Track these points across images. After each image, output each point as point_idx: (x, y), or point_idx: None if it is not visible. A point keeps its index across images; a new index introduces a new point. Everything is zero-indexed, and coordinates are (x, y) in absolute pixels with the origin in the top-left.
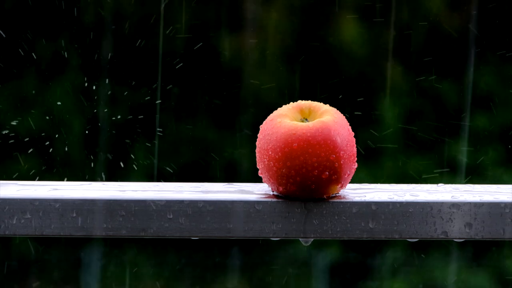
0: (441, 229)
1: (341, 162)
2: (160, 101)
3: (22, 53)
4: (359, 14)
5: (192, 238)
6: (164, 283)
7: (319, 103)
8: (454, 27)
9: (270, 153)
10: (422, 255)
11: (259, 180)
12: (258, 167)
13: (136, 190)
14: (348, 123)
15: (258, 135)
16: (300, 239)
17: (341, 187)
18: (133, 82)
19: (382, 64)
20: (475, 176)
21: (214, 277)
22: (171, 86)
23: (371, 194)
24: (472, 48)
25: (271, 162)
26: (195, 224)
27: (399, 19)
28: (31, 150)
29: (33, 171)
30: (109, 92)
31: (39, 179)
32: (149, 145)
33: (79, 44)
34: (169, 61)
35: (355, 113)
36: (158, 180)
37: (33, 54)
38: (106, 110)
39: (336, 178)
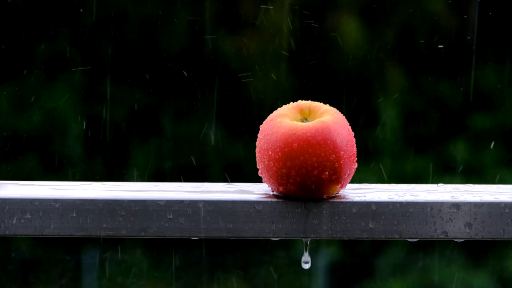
0: (441, 229)
1: (341, 162)
2: (160, 101)
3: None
4: (359, 14)
5: (192, 238)
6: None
7: (319, 103)
8: (454, 27)
9: (270, 153)
10: (422, 255)
11: (259, 180)
12: (258, 167)
13: (136, 190)
14: (348, 123)
15: (258, 135)
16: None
17: (341, 187)
18: (133, 82)
19: (382, 64)
20: (475, 176)
21: (214, 277)
22: (171, 86)
23: (371, 194)
24: (472, 47)
25: (271, 162)
26: (195, 224)
27: (400, 19)
28: (31, 150)
29: (33, 171)
30: (110, 92)
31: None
32: (149, 145)
33: (79, 44)
34: (170, 61)
35: (355, 113)
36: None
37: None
38: (106, 110)
39: (336, 178)
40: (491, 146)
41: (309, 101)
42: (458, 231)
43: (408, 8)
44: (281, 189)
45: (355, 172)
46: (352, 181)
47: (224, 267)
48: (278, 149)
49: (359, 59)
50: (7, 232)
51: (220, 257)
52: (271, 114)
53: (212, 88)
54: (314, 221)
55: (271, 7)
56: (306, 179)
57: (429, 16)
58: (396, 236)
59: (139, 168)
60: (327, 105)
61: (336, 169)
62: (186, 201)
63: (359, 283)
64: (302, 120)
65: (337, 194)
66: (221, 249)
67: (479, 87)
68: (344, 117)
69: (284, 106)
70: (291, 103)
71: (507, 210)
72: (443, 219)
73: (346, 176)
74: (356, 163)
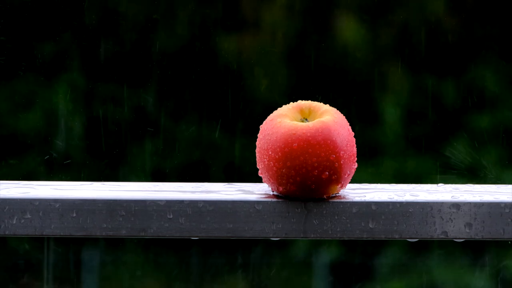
0: (441, 229)
1: (341, 162)
2: (160, 101)
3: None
4: (359, 13)
5: (192, 238)
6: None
7: (319, 103)
8: (454, 26)
9: (270, 153)
10: (422, 255)
11: (259, 180)
12: (258, 167)
13: (136, 190)
14: (348, 123)
15: (258, 135)
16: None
17: (341, 187)
18: (133, 82)
19: (382, 63)
20: (475, 176)
21: (214, 277)
22: (171, 86)
23: (371, 194)
24: (472, 47)
25: (271, 162)
26: (195, 224)
27: (400, 19)
28: (31, 150)
29: (33, 171)
30: (110, 92)
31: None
32: (149, 145)
33: (79, 43)
34: (169, 61)
35: (355, 113)
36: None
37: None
38: (106, 110)
39: (336, 178)
40: (491, 146)
41: (309, 101)
42: (458, 231)
43: (408, 8)
44: (281, 189)
45: (355, 172)
46: (352, 181)
47: (224, 267)
48: (278, 149)
49: (359, 59)
50: (7, 232)
51: (220, 257)
52: (271, 114)
53: (212, 88)
54: (314, 221)
55: (271, 7)
56: (306, 179)
57: (429, 16)
58: (396, 236)
59: (139, 168)
60: (327, 105)
61: (336, 169)
62: (186, 201)
63: (359, 283)
64: (302, 120)
65: (337, 194)
66: (221, 249)
67: (479, 87)
68: (344, 117)
69: (284, 106)
70: (291, 103)
71: (507, 210)
72: (443, 219)
73: (346, 176)
74: (356, 163)
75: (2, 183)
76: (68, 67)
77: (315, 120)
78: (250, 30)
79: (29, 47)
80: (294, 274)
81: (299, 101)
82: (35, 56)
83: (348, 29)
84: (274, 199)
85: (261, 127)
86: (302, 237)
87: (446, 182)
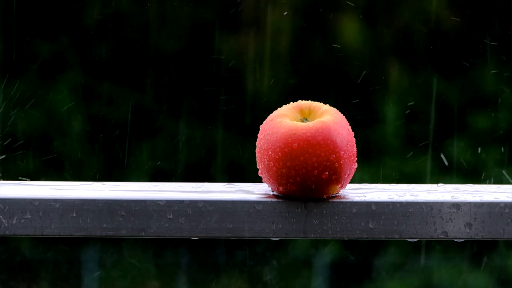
0: (441, 229)
1: (341, 162)
2: (160, 101)
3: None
4: (359, 13)
5: (192, 238)
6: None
7: (319, 103)
8: (454, 26)
9: (270, 153)
10: (422, 255)
11: (259, 180)
12: (258, 167)
13: (136, 190)
14: (348, 123)
15: (258, 135)
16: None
17: (341, 187)
18: (133, 82)
19: (382, 64)
20: (475, 176)
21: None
22: (171, 86)
23: (371, 194)
24: (472, 47)
25: (271, 162)
26: (195, 224)
27: (400, 19)
28: (31, 150)
29: (33, 171)
30: (110, 92)
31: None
32: (149, 145)
33: (79, 43)
34: (170, 61)
35: (355, 113)
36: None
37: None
38: (106, 109)
39: (336, 178)
40: (491, 146)
41: (309, 101)
42: (458, 231)
43: (408, 8)
44: (281, 189)
45: (355, 172)
46: (352, 181)
47: (224, 267)
48: (278, 149)
49: (359, 59)
50: (7, 232)
51: (220, 257)
52: (271, 114)
53: (212, 88)
54: (314, 221)
55: (272, 7)
56: (306, 179)
57: (429, 15)
58: (396, 236)
59: (139, 168)
60: (327, 105)
61: (336, 169)
62: (186, 201)
63: (359, 283)
64: (302, 120)
65: (337, 194)
66: (221, 249)
67: (479, 87)
68: (344, 117)
69: (284, 106)
70: (291, 103)
71: (507, 210)
72: (443, 219)
73: (346, 176)
74: (356, 163)
75: (2, 183)
76: (68, 67)
77: (315, 120)
78: (250, 30)
79: (29, 47)
80: (294, 274)
81: (299, 101)
82: (35, 55)
83: (349, 29)
84: (274, 199)
85: (261, 127)
86: (302, 237)
87: (446, 182)
